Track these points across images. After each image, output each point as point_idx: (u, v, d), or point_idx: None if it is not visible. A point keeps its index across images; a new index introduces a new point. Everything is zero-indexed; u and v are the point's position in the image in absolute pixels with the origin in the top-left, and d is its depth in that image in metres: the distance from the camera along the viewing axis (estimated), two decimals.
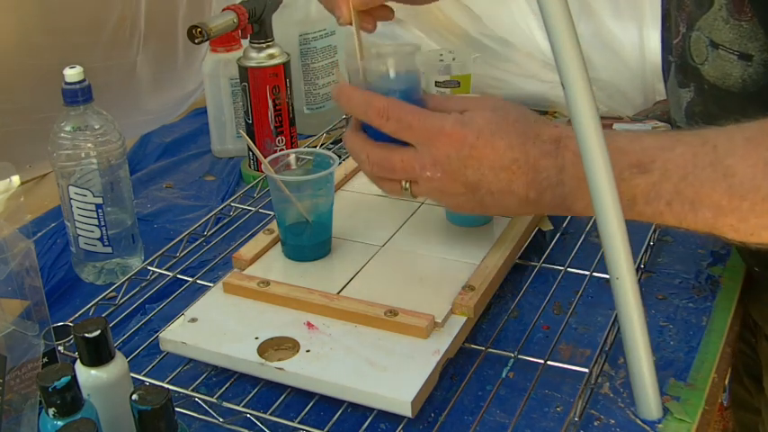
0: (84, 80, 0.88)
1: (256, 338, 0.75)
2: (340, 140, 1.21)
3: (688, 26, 0.76)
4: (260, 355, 0.73)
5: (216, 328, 0.77)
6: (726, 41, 0.72)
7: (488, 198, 0.70)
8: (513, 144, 0.68)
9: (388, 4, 0.82)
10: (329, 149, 1.05)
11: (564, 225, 0.97)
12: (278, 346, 0.75)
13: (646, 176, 0.63)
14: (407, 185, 0.73)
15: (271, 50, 1.11)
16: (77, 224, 0.92)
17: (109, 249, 0.94)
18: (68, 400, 0.58)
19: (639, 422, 0.70)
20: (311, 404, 0.72)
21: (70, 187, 0.90)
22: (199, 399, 0.72)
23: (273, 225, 0.90)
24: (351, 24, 0.79)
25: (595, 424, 0.70)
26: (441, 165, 0.69)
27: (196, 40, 1.03)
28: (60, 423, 0.57)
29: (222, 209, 1.03)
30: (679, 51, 0.78)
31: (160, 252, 0.93)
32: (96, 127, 0.90)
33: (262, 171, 1.10)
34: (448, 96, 0.76)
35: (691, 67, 0.77)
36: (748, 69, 0.71)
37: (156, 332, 0.79)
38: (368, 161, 0.73)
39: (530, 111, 0.73)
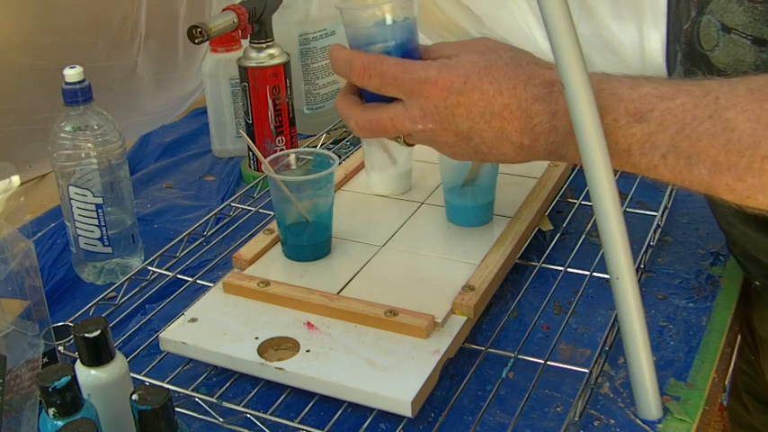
0: (84, 80, 0.88)
1: (256, 338, 0.75)
2: (340, 140, 1.21)
3: (699, 10, 0.73)
4: (260, 355, 0.73)
5: (216, 328, 0.77)
6: (739, 25, 0.68)
7: (482, 146, 0.67)
8: (502, 89, 0.65)
9: None
10: (329, 149, 1.05)
11: (564, 225, 0.97)
12: (278, 346, 0.75)
13: (642, 126, 0.60)
14: (401, 136, 0.71)
15: (271, 50, 1.11)
16: (77, 224, 0.92)
17: (109, 249, 0.94)
18: (68, 400, 0.58)
19: (639, 422, 0.70)
20: (311, 404, 0.72)
21: (70, 187, 0.90)
22: (199, 399, 0.72)
23: (273, 225, 0.90)
24: None
25: (595, 424, 0.70)
26: (430, 115, 0.67)
27: (196, 40, 1.03)
28: (60, 423, 0.57)
29: (222, 209, 1.03)
30: (687, 38, 0.75)
31: (160, 252, 0.93)
32: (96, 127, 0.90)
33: (262, 171, 1.10)
34: (440, 44, 0.72)
35: (698, 54, 0.73)
36: (762, 55, 0.67)
37: (156, 332, 0.79)
38: (357, 127, 0.70)
39: (524, 52, 0.69)
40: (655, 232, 0.93)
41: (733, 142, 0.57)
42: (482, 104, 0.65)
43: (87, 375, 0.63)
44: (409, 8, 0.71)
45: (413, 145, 0.72)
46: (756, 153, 0.56)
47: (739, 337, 0.90)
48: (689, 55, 0.76)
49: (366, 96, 0.72)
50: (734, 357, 0.90)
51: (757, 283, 0.85)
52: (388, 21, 0.71)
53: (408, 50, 0.71)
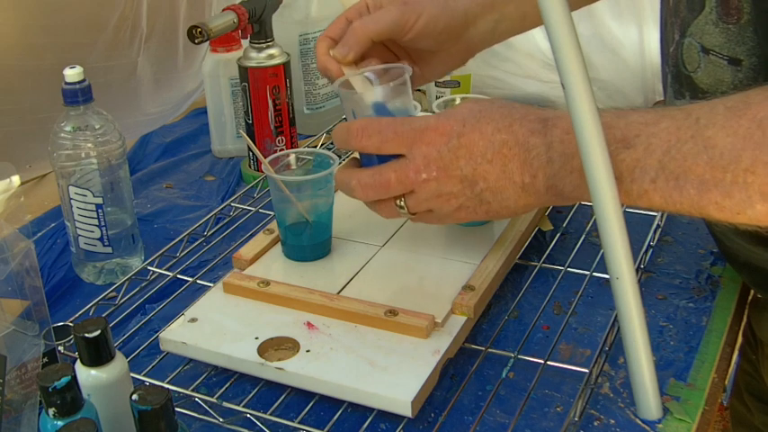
0: (84, 80, 0.88)
1: (256, 338, 0.75)
2: None
3: (681, 32, 0.75)
4: (260, 355, 0.73)
5: (216, 328, 0.77)
6: (716, 46, 0.70)
7: (487, 192, 0.68)
8: (499, 126, 0.67)
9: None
10: (329, 149, 1.05)
11: (564, 225, 0.97)
12: (278, 346, 0.75)
13: (630, 152, 0.61)
14: (402, 202, 0.71)
15: (271, 50, 1.11)
16: (77, 224, 0.92)
17: (109, 249, 0.94)
18: (68, 400, 0.58)
19: (639, 422, 0.70)
20: (311, 404, 0.72)
21: (70, 187, 0.90)
22: (199, 399, 0.72)
23: (273, 225, 0.90)
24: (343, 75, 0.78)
25: (595, 424, 0.70)
26: (434, 161, 0.68)
27: (196, 40, 1.03)
28: (60, 423, 0.57)
29: (222, 209, 1.03)
30: (674, 60, 0.77)
31: (160, 252, 0.93)
32: (96, 127, 0.90)
33: (262, 171, 1.10)
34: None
35: (684, 75, 0.76)
36: (738, 75, 0.69)
37: (156, 332, 0.79)
38: (359, 186, 0.71)
39: (518, 103, 0.71)
40: (655, 232, 0.93)
41: (715, 159, 0.58)
42: (482, 144, 0.67)
43: (87, 375, 0.63)
44: (404, 92, 0.74)
45: (415, 213, 0.72)
46: (739, 167, 0.57)
47: (741, 336, 0.90)
48: (676, 77, 0.78)
49: (365, 164, 0.74)
50: (735, 357, 0.90)
51: (759, 296, 0.85)
52: (384, 103, 0.73)
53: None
